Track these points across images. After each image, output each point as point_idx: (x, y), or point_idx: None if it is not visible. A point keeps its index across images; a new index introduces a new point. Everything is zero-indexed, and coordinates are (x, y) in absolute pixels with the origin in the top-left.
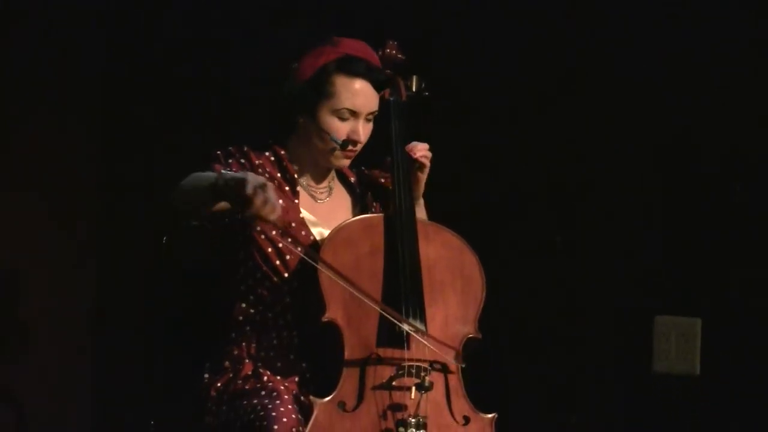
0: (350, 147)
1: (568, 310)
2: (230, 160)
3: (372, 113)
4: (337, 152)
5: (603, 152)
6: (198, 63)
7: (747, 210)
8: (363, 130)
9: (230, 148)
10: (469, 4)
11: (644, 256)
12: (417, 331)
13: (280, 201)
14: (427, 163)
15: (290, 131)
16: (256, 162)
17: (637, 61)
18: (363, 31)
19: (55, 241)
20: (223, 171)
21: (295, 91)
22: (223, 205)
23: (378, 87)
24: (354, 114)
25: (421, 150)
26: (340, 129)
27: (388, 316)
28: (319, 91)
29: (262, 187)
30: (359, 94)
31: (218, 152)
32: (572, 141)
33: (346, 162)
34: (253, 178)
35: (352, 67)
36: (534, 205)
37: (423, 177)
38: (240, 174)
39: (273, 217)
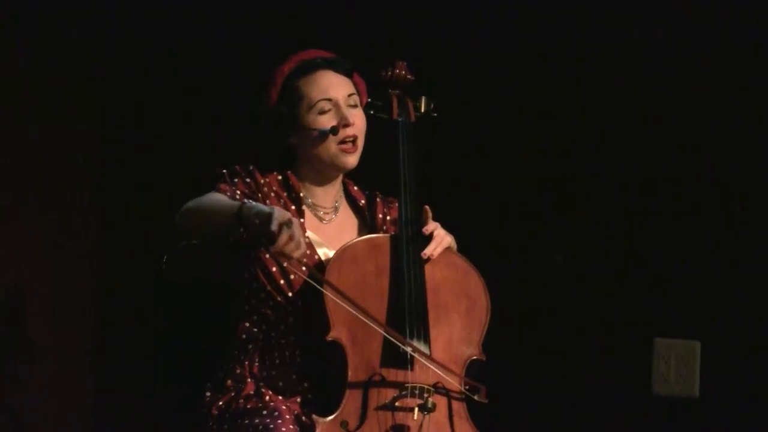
0: (345, 133)
1: (566, 332)
2: (236, 180)
3: (350, 96)
4: (336, 147)
5: (603, 152)
6: (198, 63)
7: (748, 231)
8: (349, 114)
9: (236, 166)
10: (469, 4)
11: (644, 277)
12: (418, 352)
13: (307, 234)
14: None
15: (292, 157)
16: (262, 181)
17: (637, 61)
18: (363, 33)
19: (55, 242)
20: (246, 201)
21: (271, 117)
22: (239, 233)
23: (344, 73)
24: (331, 102)
25: (428, 253)
26: (326, 121)
27: (391, 339)
28: (290, 102)
29: (288, 223)
30: (326, 83)
31: (223, 171)
32: (572, 141)
33: (351, 159)
34: (279, 214)
35: (309, 66)
36: (533, 208)
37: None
38: (266, 208)
39: (297, 254)
